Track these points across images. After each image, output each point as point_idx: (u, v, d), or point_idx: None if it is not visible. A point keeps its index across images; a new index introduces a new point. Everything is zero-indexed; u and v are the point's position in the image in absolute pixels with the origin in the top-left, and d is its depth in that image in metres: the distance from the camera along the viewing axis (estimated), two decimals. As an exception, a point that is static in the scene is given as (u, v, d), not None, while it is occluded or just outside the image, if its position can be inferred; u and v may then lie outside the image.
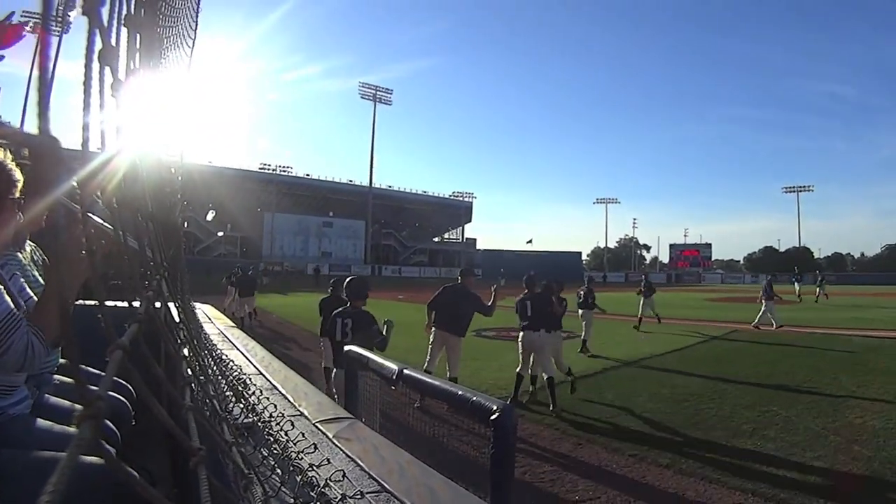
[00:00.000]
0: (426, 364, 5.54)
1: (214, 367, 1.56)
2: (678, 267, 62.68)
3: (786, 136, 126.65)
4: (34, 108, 0.30)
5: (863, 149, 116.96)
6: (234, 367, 2.03)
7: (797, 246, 65.40)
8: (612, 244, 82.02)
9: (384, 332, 4.22)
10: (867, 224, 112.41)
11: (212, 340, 2.47)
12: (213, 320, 3.73)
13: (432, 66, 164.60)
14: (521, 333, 5.99)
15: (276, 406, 1.56)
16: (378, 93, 54.62)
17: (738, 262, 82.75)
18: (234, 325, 3.89)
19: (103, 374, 0.40)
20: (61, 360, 1.73)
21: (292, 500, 0.93)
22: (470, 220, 66.93)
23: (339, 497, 1.01)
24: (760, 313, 12.38)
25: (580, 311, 9.16)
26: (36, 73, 0.32)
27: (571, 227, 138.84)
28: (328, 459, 1.19)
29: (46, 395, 1.62)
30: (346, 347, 3.23)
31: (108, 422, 1.55)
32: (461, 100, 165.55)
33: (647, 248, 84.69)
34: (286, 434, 1.31)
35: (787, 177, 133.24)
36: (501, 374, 6.64)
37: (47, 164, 0.31)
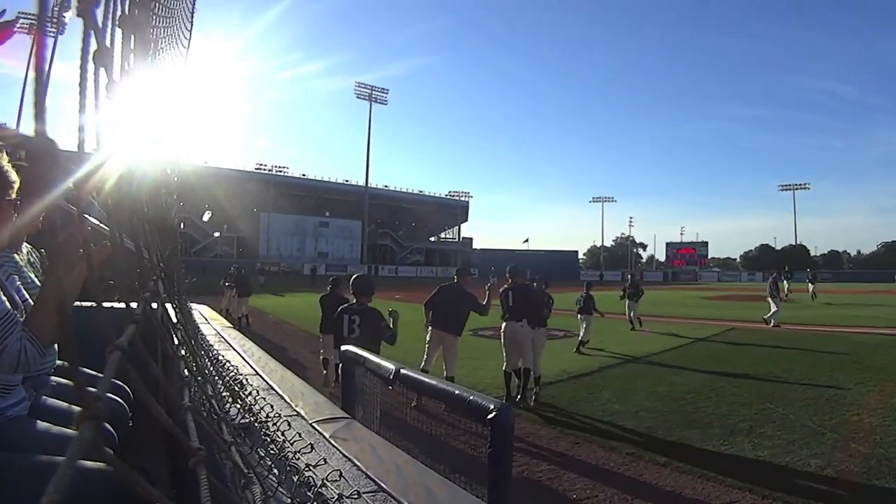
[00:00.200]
0: (423, 363, 5.55)
1: (211, 368, 1.56)
2: (674, 265, 62.90)
3: (782, 133, 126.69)
4: (30, 110, 0.30)
5: (859, 146, 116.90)
6: (231, 368, 2.03)
7: (794, 244, 65.71)
8: (608, 243, 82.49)
9: (392, 326, 4.15)
10: (864, 222, 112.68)
11: (208, 341, 2.46)
12: (209, 321, 3.71)
13: (430, 64, 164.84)
14: (504, 325, 5.97)
15: (272, 406, 1.56)
16: (374, 92, 54.52)
17: (735, 260, 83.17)
18: (230, 325, 3.88)
19: (100, 375, 0.40)
20: (59, 362, 1.72)
21: (289, 500, 0.93)
22: (466, 220, 67.12)
23: (336, 497, 1.01)
24: (773, 311, 12.12)
25: (579, 316, 9.14)
26: (31, 74, 0.32)
27: (568, 226, 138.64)
28: (325, 459, 1.19)
29: (44, 397, 1.62)
30: (344, 347, 3.23)
31: (105, 423, 1.54)
32: (458, 98, 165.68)
33: (644, 246, 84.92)
34: (283, 434, 1.31)
35: (784, 175, 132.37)
36: (498, 374, 6.62)
37: (44, 166, 0.32)
